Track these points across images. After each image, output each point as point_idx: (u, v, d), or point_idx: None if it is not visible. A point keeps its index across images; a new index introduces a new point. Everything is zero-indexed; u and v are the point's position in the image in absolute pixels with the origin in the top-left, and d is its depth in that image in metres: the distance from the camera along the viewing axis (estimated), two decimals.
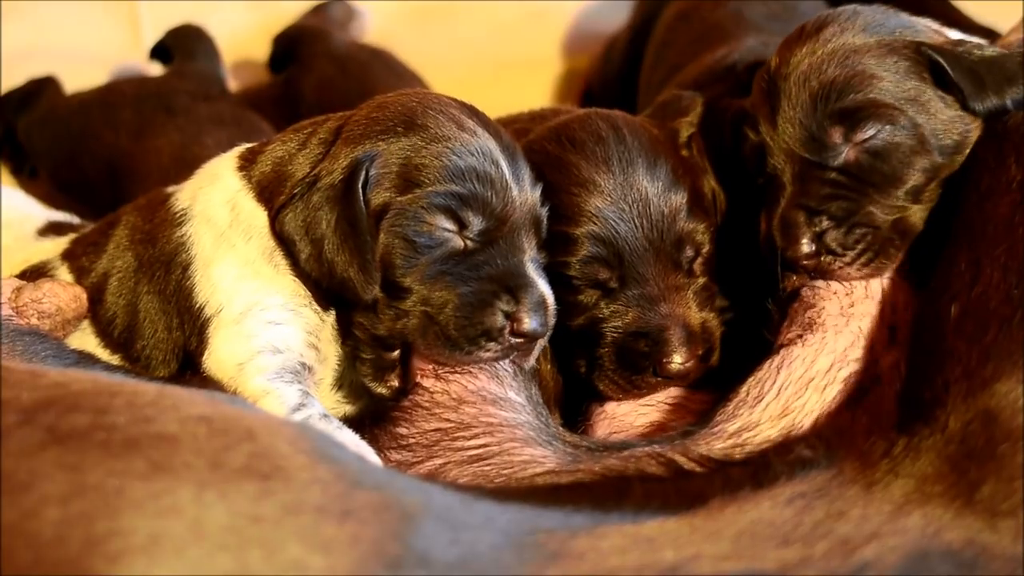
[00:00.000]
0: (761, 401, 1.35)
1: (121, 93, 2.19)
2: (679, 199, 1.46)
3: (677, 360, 1.42)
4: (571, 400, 1.53)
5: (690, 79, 1.81)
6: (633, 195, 1.45)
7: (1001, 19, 1.65)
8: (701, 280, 1.48)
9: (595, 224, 1.44)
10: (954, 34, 1.50)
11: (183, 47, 2.30)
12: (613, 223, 1.44)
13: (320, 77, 2.29)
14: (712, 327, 1.47)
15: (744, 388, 1.37)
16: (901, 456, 1.15)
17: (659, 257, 1.45)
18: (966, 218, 1.34)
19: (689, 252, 1.47)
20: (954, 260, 1.31)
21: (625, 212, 1.44)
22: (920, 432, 1.16)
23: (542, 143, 1.51)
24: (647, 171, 1.46)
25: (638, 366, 1.44)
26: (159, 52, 2.36)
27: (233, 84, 2.45)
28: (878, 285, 1.40)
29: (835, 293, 1.40)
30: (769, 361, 1.38)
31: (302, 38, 2.39)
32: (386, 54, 2.37)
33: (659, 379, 1.44)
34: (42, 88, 2.29)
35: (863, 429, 1.24)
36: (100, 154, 2.10)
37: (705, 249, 1.48)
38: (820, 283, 1.41)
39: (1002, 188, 1.31)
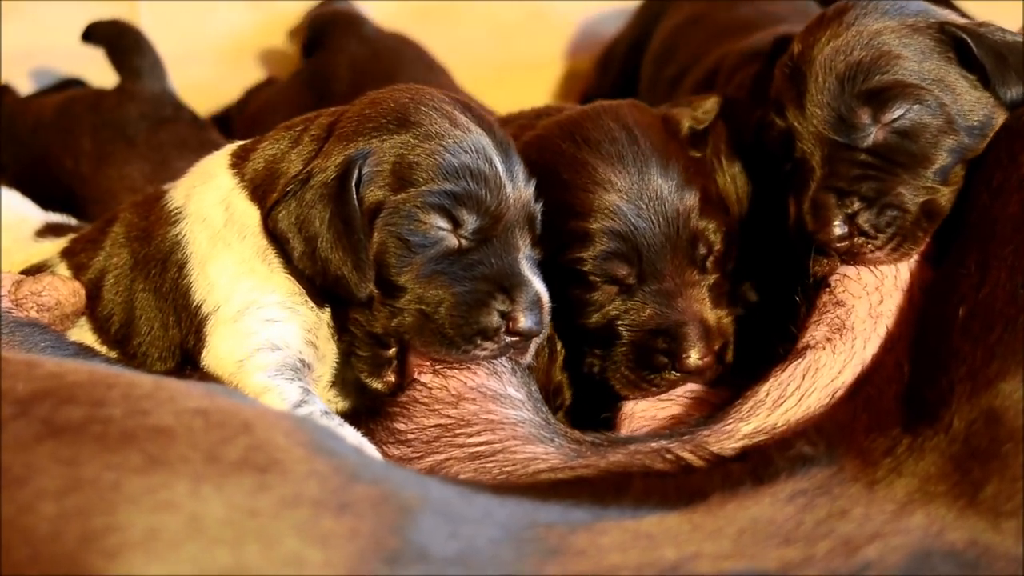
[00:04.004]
0: (781, 405, 1.34)
1: (76, 117, 2.13)
2: (692, 198, 1.47)
3: (695, 355, 1.42)
4: (582, 403, 1.53)
5: (730, 62, 1.81)
6: (649, 193, 1.45)
7: (1001, 19, 1.64)
8: (713, 277, 1.49)
9: (613, 220, 1.44)
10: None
11: (127, 63, 2.21)
12: (632, 219, 1.44)
13: (352, 58, 2.27)
14: (727, 324, 1.47)
15: (764, 389, 1.37)
16: (904, 455, 1.15)
17: (676, 253, 1.45)
18: (976, 216, 1.34)
19: (703, 249, 1.48)
20: (962, 259, 1.30)
21: (642, 209, 1.44)
22: (924, 432, 1.16)
23: (555, 140, 1.52)
24: (661, 170, 1.47)
25: (656, 363, 1.44)
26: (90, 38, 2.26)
27: (234, 84, 2.45)
28: (907, 272, 1.40)
29: (865, 288, 1.40)
30: (794, 364, 1.37)
31: (336, 20, 2.38)
32: (415, 44, 2.36)
33: (677, 376, 1.44)
34: None
35: (863, 426, 1.23)
36: (60, 178, 2.07)
37: (717, 248, 1.49)
38: (850, 272, 1.41)
39: (1012, 186, 1.31)
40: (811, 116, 1.42)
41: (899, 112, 1.39)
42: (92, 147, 2.08)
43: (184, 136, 2.09)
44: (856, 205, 1.37)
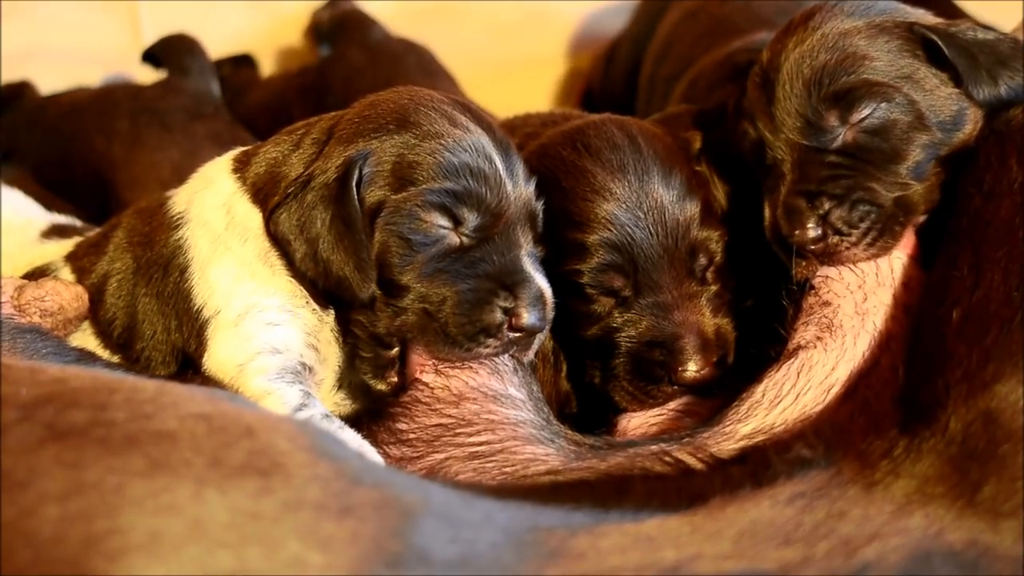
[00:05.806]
0: (778, 404, 1.34)
1: (116, 102, 2.19)
2: (693, 208, 1.46)
3: (692, 368, 1.42)
4: (585, 412, 1.53)
5: (704, 81, 1.81)
6: (649, 202, 1.44)
7: (1001, 19, 1.65)
8: (714, 288, 1.48)
9: (610, 231, 1.43)
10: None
11: (177, 61, 2.29)
12: (629, 229, 1.43)
13: (350, 67, 2.28)
14: (726, 333, 1.46)
15: (760, 389, 1.36)
16: (902, 457, 1.15)
17: (673, 264, 1.45)
18: (968, 219, 1.33)
19: (703, 260, 1.47)
20: (955, 262, 1.30)
21: (640, 219, 1.44)
22: (921, 433, 1.16)
23: (557, 148, 1.51)
24: (662, 179, 1.46)
25: (653, 376, 1.43)
26: (151, 57, 2.34)
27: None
28: (888, 269, 1.40)
29: (848, 287, 1.40)
30: (787, 364, 1.37)
31: (344, 24, 2.39)
32: (423, 51, 2.36)
33: (675, 388, 1.44)
34: (20, 92, 2.31)
35: (860, 429, 1.23)
36: (89, 159, 2.11)
37: (717, 258, 1.48)
38: (832, 272, 1.41)
39: (1004, 189, 1.31)
40: (781, 123, 1.42)
41: (867, 111, 1.39)
42: (128, 129, 2.12)
43: (219, 130, 2.13)
44: (827, 205, 1.37)
